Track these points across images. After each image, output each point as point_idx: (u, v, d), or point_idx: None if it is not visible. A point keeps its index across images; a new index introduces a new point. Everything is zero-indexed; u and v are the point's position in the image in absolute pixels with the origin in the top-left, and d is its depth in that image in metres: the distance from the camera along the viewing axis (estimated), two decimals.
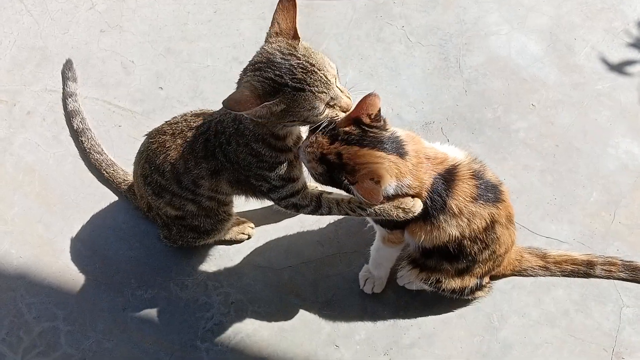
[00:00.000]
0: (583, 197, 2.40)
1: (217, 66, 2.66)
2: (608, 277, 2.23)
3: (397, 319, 2.21)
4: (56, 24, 2.75)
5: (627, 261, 2.22)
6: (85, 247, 2.33)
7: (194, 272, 2.29)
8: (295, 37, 1.71)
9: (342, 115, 1.78)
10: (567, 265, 2.22)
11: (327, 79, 1.69)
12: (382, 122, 1.81)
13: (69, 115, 2.52)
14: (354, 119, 1.79)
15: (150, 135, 2.09)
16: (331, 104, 1.73)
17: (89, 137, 2.45)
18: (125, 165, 2.42)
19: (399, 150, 1.82)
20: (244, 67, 1.76)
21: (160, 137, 2.03)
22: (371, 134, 1.79)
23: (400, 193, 1.85)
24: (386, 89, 2.60)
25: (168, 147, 2.00)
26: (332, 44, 2.69)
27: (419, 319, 2.21)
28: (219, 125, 1.92)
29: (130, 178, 2.35)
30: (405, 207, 1.85)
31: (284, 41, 1.71)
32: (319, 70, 1.68)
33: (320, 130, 1.79)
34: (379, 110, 1.80)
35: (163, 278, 2.28)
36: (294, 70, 1.66)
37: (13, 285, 2.26)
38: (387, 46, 2.70)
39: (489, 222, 1.94)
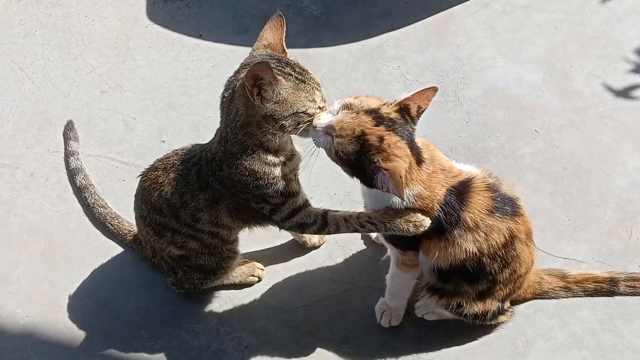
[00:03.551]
0: (597, 216, 2.35)
1: (218, 116, 2.66)
2: (633, 294, 2.14)
3: (418, 352, 2.12)
4: (57, 88, 2.79)
5: None
6: (92, 302, 2.27)
7: (204, 319, 2.21)
8: (283, 51, 1.78)
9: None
10: (589, 284, 2.14)
11: (317, 82, 1.78)
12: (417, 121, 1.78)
13: (72, 173, 2.51)
14: (404, 105, 1.75)
15: (143, 175, 2.08)
16: (321, 105, 1.77)
17: (92, 192, 2.43)
18: (130, 218, 2.38)
19: (419, 156, 1.78)
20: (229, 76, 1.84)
21: (152, 174, 2.02)
22: (409, 129, 1.75)
23: (409, 202, 1.80)
24: None
25: (161, 182, 1.98)
26: (331, 88, 2.69)
27: (442, 350, 2.12)
28: (208, 154, 1.92)
29: (135, 229, 2.32)
30: (416, 221, 1.80)
31: (272, 52, 1.78)
32: (311, 73, 1.78)
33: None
34: (426, 108, 1.78)
35: (173, 327, 2.20)
36: (294, 66, 1.74)
37: (20, 345, 2.19)
38: (384, 86, 2.72)
39: (507, 237, 1.87)
